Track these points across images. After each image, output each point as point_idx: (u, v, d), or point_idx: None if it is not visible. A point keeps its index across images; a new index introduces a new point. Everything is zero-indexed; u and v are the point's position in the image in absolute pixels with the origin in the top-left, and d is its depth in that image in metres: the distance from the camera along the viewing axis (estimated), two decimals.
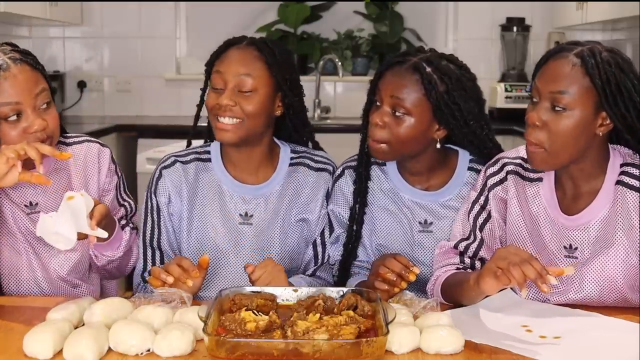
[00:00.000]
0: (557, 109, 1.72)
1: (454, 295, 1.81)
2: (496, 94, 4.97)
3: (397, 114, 1.93)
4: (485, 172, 1.95)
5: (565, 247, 1.83)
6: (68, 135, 2.07)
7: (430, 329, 1.55)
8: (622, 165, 1.81)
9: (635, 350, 1.52)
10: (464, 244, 1.92)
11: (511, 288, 1.78)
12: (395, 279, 1.82)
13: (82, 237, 1.70)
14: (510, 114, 4.92)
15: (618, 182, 1.80)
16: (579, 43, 1.78)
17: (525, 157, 1.85)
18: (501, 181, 1.91)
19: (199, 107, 2.12)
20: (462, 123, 1.97)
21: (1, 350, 1.52)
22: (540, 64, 1.80)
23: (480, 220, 1.93)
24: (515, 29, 5.09)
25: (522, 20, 5.11)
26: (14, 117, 1.82)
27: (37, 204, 1.96)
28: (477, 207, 1.93)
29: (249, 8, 5.27)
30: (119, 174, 2.12)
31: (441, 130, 1.98)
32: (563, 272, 1.61)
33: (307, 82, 2.11)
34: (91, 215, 1.71)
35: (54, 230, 1.65)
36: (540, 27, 5.15)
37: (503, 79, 5.15)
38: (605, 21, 4.48)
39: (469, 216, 1.94)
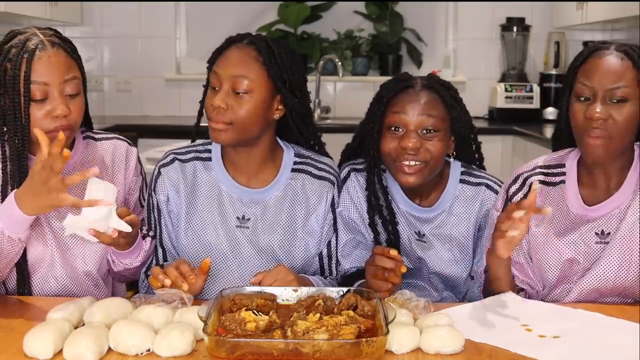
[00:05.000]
0: (615, 102, 1.78)
1: (487, 284, 1.90)
2: (496, 94, 4.97)
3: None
4: (507, 191, 1.97)
5: (597, 234, 1.88)
6: (97, 131, 2.08)
7: (430, 329, 1.55)
8: None
9: (635, 350, 1.53)
10: None
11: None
12: (388, 275, 1.81)
13: (105, 240, 1.72)
14: (510, 114, 4.94)
15: None
16: (607, 42, 1.86)
17: (541, 164, 1.95)
18: (525, 196, 1.92)
19: (202, 104, 2.06)
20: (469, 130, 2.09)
21: (1, 350, 1.52)
22: (578, 64, 1.84)
23: None
24: (515, 29, 5.10)
25: (522, 20, 5.11)
26: (41, 98, 1.82)
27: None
28: None
29: (249, 8, 5.27)
30: (143, 175, 2.11)
31: (453, 144, 2.07)
32: (543, 212, 1.69)
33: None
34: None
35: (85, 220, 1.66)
36: (540, 27, 5.15)
37: (503, 79, 5.15)
38: (605, 21, 4.48)
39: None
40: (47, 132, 1.82)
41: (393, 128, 1.99)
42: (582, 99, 1.82)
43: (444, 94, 2.01)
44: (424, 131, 1.96)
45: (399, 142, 1.97)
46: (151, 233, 2.03)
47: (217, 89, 1.94)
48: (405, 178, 1.98)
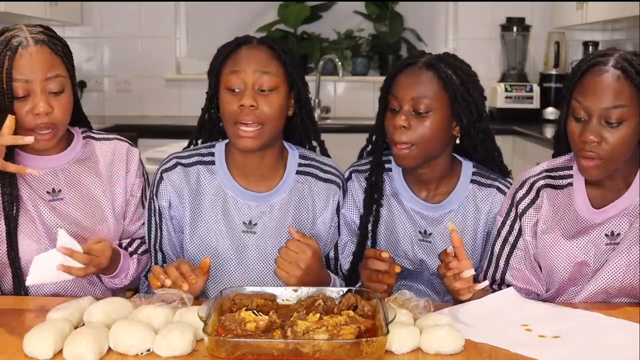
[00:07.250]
0: (611, 124, 1.74)
1: None
2: (496, 94, 4.97)
3: (421, 112, 1.90)
4: (513, 197, 1.93)
5: (607, 235, 1.85)
6: (98, 131, 2.07)
7: (430, 329, 1.55)
8: None
9: (635, 350, 1.52)
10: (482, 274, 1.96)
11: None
12: (382, 277, 1.83)
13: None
14: (510, 114, 4.94)
15: None
16: (607, 53, 1.79)
17: (548, 167, 1.92)
18: (532, 202, 1.90)
19: (205, 111, 2.03)
20: (477, 117, 1.97)
21: (1, 350, 1.52)
22: (575, 79, 1.79)
23: (507, 249, 1.93)
24: (515, 29, 5.10)
25: (522, 20, 5.11)
26: (23, 95, 1.82)
27: (60, 190, 1.94)
28: (503, 234, 1.94)
29: (249, 8, 5.27)
30: (146, 176, 2.10)
31: (457, 127, 1.98)
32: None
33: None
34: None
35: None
36: (540, 27, 5.16)
37: (503, 79, 5.16)
38: (605, 21, 4.48)
39: (494, 246, 1.95)
40: (30, 129, 1.83)
41: (391, 109, 1.96)
42: (578, 118, 1.78)
43: (445, 72, 1.94)
44: (414, 112, 1.92)
45: (392, 122, 1.94)
46: (142, 249, 2.01)
47: (238, 89, 1.89)
48: (400, 160, 1.95)
